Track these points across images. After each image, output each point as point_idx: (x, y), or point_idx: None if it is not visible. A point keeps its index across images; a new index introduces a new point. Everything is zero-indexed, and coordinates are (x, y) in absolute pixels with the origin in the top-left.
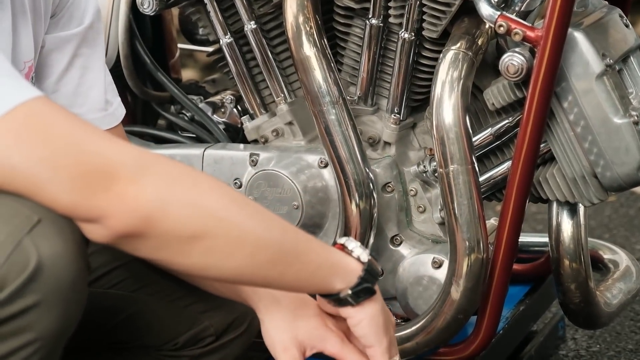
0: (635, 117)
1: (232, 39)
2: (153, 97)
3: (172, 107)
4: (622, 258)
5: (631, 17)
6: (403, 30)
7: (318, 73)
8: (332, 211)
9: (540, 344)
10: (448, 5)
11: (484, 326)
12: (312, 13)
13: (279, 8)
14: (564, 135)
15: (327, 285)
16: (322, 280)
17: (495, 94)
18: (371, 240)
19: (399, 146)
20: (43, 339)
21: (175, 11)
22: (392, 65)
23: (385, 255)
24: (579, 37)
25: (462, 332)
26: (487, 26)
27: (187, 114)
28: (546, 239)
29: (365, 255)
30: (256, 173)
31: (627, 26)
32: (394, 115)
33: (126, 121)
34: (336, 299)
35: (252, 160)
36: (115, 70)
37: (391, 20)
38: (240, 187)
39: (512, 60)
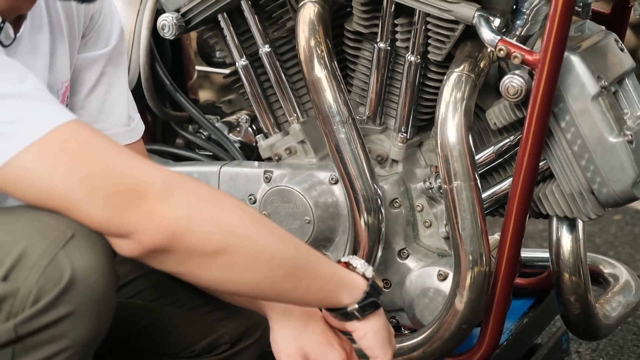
0: (630, 137)
1: (247, 62)
2: (172, 117)
3: (190, 126)
4: (622, 272)
5: (637, 40)
6: (409, 53)
7: (329, 94)
8: (342, 225)
9: (544, 356)
10: (452, 30)
11: (487, 337)
12: (323, 37)
13: (292, 32)
14: (562, 153)
15: (335, 300)
16: (330, 294)
17: (497, 114)
18: (379, 253)
19: (406, 164)
20: (76, 346)
21: (193, 35)
22: (399, 86)
23: (393, 268)
24: (575, 60)
25: (467, 343)
26: (488, 50)
27: (205, 133)
28: None
29: (369, 272)
30: (270, 189)
31: (622, 50)
32: (401, 134)
33: (146, 139)
34: (343, 313)
35: (266, 177)
36: (136, 91)
37: (398, 44)
38: (254, 202)
39: (512, 82)
